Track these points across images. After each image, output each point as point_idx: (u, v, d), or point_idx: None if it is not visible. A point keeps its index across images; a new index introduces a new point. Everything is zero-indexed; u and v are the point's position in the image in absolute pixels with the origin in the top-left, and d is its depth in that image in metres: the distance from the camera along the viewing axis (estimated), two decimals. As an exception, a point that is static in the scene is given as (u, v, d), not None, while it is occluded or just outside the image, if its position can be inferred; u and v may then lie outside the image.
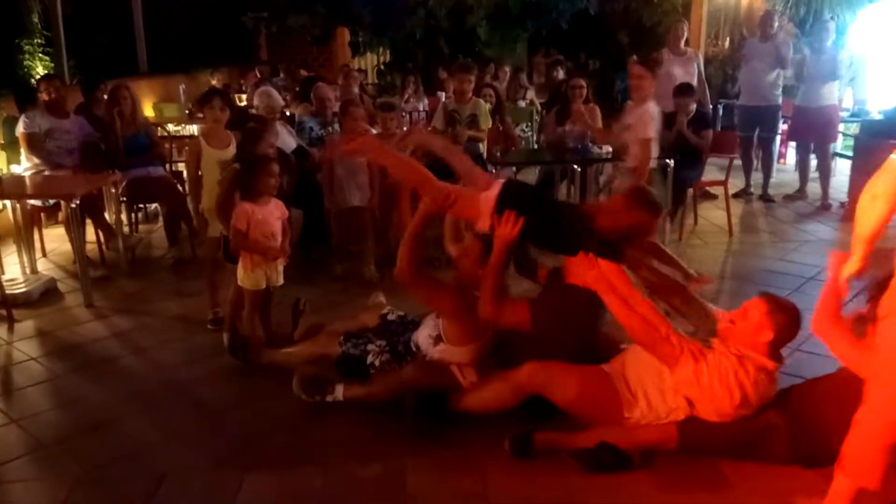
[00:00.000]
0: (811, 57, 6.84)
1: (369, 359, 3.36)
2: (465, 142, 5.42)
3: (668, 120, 6.13)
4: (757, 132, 7.12)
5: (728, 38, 12.71)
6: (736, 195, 6.94)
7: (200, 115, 8.68)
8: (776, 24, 7.03)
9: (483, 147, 5.68)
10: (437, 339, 3.21)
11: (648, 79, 4.54)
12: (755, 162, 7.43)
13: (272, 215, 3.75)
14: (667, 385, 2.74)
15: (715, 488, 2.66)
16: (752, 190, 7.27)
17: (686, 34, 7.19)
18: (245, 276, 3.73)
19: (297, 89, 7.70)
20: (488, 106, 5.79)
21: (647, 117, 4.52)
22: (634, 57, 4.75)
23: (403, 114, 7.52)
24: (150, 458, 2.94)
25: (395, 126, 5.19)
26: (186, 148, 7.42)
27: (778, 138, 7.67)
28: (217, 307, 4.23)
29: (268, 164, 3.74)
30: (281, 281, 3.85)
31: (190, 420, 3.26)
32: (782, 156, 8.66)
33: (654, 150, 4.65)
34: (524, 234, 2.95)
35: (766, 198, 7.10)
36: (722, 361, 2.65)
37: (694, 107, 6.11)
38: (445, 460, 2.87)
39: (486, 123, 5.55)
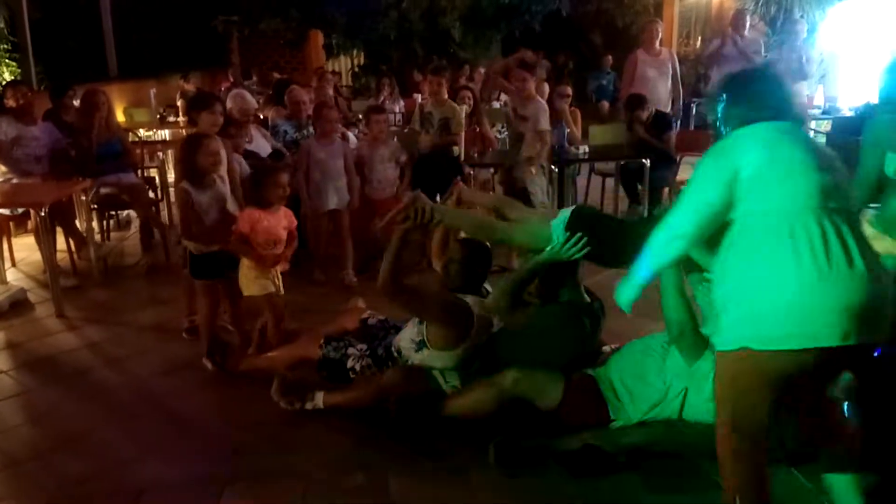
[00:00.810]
0: (780, 55, 6.91)
1: (350, 363, 3.32)
2: (431, 146, 5.37)
3: (630, 122, 6.16)
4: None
5: (700, 38, 12.84)
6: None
7: (172, 120, 8.62)
8: (747, 23, 7.10)
9: (461, 150, 5.64)
10: (420, 345, 3.18)
11: (529, 79, 5.03)
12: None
13: (279, 223, 3.71)
14: (654, 386, 2.73)
15: (701, 489, 2.64)
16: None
17: (660, 34, 7.23)
18: (251, 284, 3.69)
19: (271, 92, 7.61)
20: (466, 108, 5.76)
21: (541, 111, 4.99)
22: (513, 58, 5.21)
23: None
24: (127, 474, 2.86)
25: (383, 130, 5.12)
26: (157, 154, 7.37)
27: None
28: (193, 315, 4.15)
29: (275, 173, 3.73)
30: (281, 291, 3.80)
31: (167, 433, 3.19)
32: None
33: (549, 140, 5.16)
34: (591, 257, 2.96)
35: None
36: None
37: (652, 111, 6.14)
38: (429, 468, 2.83)
39: (458, 128, 5.50)
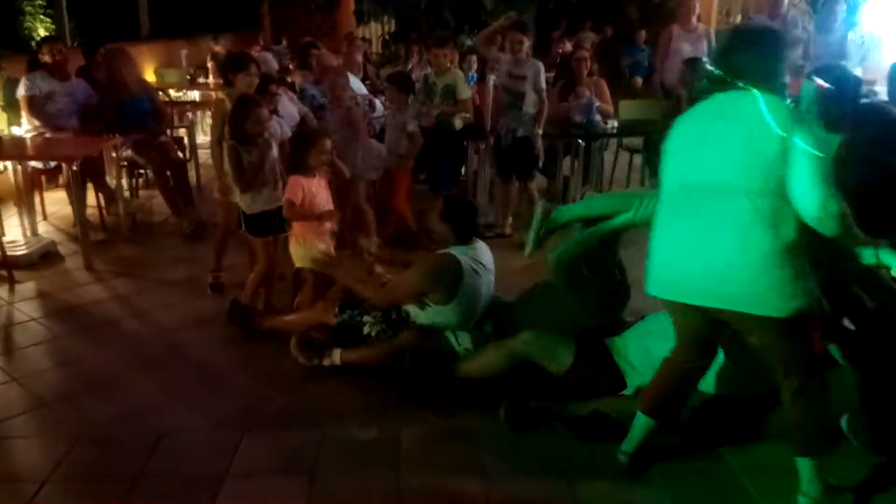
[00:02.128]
0: (819, 36, 6.76)
1: (365, 329, 3.38)
2: (437, 116, 5.31)
3: (669, 93, 6.09)
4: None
5: (740, 16, 12.59)
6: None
7: (202, 81, 8.67)
8: (786, 2, 6.94)
9: (487, 118, 5.58)
10: (423, 303, 3.28)
11: (526, 41, 5.13)
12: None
13: (323, 190, 3.74)
14: None
15: (706, 460, 2.68)
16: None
17: (698, 10, 7.09)
18: (305, 254, 3.73)
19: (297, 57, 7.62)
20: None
21: (539, 70, 5.11)
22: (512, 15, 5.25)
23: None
24: (150, 418, 2.97)
25: (396, 98, 5.09)
26: (186, 114, 7.43)
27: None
28: (219, 272, 4.21)
29: (319, 139, 3.73)
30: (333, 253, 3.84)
31: (189, 382, 3.29)
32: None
33: (546, 99, 5.24)
34: None
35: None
36: None
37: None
38: (439, 427, 2.90)
39: (464, 94, 5.40)
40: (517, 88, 5.11)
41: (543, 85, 5.11)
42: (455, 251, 3.24)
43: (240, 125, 3.65)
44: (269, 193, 3.77)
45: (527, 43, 5.11)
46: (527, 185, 5.31)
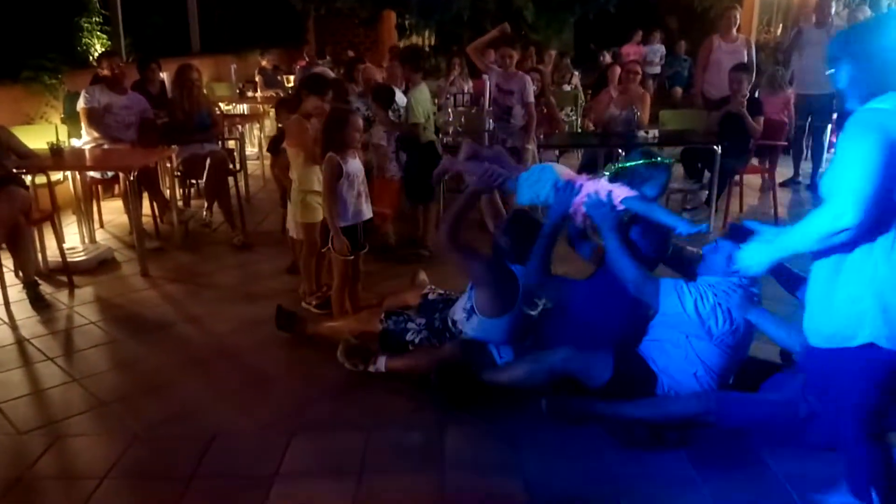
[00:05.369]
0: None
1: (409, 336, 3.45)
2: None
3: (717, 105, 6.07)
4: (809, 121, 7.01)
5: (781, 26, 12.45)
6: (784, 183, 6.85)
7: (251, 95, 8.92)
8: (832, 11, 6.88)
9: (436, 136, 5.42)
10: (470, 312, 3.28)
11: (514, 56, 5.32)
12: (805, 151, 7.31)
13: None
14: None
15: (749, 466, 2.69)
16: (800, 178, 7.15)
17: (738, 21, 7.06)
18: None
19: (342, 70, 7.81)
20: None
21: (526, 84, 5.26)
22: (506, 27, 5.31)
23: (448, 95, 7.55)
24: (202, 419, 3.09)
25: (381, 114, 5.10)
26: (236, 126, 7.63)
27: (829, 127, 7.51)
28: (320, 290, 4.24)
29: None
30: None
31: (240, 384, 3.41)
32: (833, 145, 8.48)
33: (534, 112, 5.47)
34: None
35: (814, 187, 6.99)
36: None
37: (748, 90, 6.02)
38: (483, 431, 2.96)
39: (414, 118, 4.96)
40: (505, 102, 5.22)
41: (532, 98, 5.23)
42: (520, 272, 3.22)
43: (339, 135, 3.66)
44: (360, 206, 3.83)
45: (516, 57, 5.23)
46: None
